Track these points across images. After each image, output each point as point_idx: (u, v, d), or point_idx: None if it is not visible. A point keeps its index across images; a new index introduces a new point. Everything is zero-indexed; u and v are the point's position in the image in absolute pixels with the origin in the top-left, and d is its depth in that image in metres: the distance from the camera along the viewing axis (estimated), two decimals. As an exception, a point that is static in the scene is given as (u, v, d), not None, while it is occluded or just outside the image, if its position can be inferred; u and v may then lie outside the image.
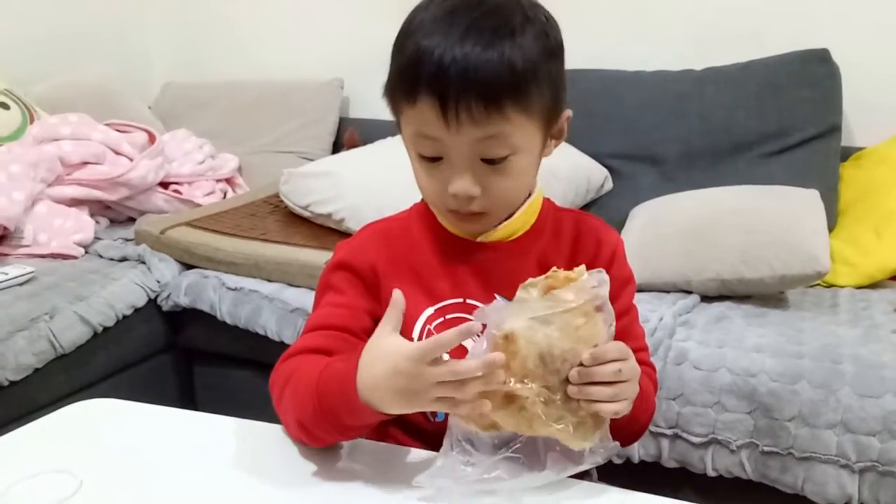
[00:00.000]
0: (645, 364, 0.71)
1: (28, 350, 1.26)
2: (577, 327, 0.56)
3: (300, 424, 0.62)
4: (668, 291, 1.32)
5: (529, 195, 0.70)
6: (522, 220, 0.69)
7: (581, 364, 0.56)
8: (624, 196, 1.63)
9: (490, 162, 0.62)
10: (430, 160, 0.63)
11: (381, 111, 0.69)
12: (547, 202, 0.72)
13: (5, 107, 1.76)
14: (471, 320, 0.57)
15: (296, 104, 2.06)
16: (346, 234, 1.48)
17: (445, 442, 0.58)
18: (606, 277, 0.58)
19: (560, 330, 0.56)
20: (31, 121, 1.77)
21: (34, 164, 1.54)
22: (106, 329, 1.39)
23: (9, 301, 1.29)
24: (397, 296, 0.60)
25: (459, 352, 0.58)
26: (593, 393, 0.57)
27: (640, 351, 0.71)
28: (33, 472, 0.62)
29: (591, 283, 0.57)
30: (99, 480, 0.61)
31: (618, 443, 0.59)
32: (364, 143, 1.83)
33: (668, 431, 1.11)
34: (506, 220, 0.68)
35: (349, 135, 1.96)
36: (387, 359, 0.56)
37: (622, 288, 0.71)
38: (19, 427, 0.71)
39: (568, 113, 0.67)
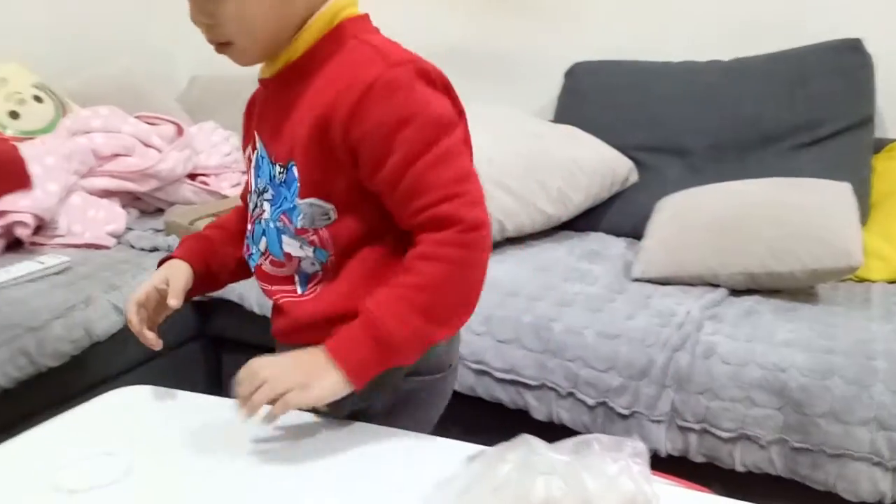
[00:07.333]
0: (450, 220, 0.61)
1: (66, 338, 1.29)
2: None
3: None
4: (693, 285, 1.31)
5: (304, 26, 0.66)
6: (286, 57, 0.68)
7: None
8: (650, 189, 1.61)
9: None
10: None
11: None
12: (346, 28, 0.66)
13: (39, 100, 1.79)
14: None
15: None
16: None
17: None
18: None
19: None
20: (64, 113, 1.81)
21: (68, 156, 1.57)
22: (138, 318, 1.42)
23: (46, 290, 1.32)
24: None
25: None
26: None
27: (442, 202, 0.61)
28: (83, 454, 0.64)
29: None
30: (146, 462, 0.63)
31: None
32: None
33: (697, 426, 1.11)
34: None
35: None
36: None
37: (392, 135, 0.60)
38: (58, 412, 0.73)
39: None
